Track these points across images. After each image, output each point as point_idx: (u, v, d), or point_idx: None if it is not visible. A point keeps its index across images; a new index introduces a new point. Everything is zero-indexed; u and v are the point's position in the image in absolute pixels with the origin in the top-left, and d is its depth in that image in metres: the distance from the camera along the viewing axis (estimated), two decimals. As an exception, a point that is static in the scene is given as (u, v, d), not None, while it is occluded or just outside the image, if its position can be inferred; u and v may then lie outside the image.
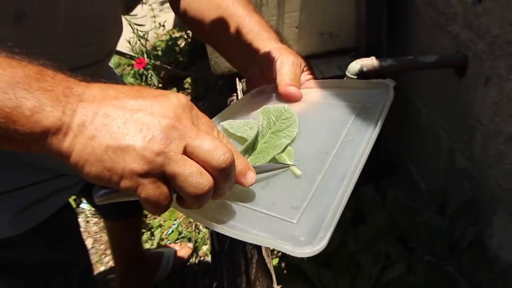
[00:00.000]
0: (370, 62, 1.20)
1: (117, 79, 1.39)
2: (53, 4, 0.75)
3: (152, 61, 3.21)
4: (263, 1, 1.64)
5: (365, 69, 1.20)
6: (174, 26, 4.24)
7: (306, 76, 0.94)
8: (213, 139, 0.53)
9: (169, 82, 3.40)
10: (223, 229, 0.61)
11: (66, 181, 1.04)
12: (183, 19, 1.07)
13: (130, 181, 0.50)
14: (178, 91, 3.16)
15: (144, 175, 0.50)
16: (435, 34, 1.37)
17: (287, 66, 0.87)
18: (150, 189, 0.51)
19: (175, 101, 0.54)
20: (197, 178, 0.52)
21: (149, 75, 3.14)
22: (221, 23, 0.97)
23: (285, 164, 0.70)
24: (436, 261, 1.26)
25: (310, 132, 0.76)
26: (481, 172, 1.24)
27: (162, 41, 3.97)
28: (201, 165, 0.53)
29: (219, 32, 0.98)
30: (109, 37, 0.94)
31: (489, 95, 1.12)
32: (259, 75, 0.93)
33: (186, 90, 3.29)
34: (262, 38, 0.94)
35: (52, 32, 0.77)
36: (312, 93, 0.88)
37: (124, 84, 1.02)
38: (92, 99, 0.52)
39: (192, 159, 0.53)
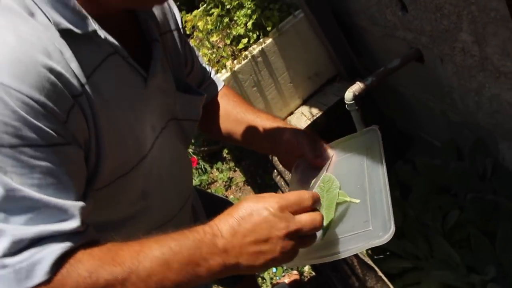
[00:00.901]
0: (357, 86, 1.49)
1: None
2: (161, 180, 1.01)
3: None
4: (259, 77, 1.96)
5: (356, 93, 1.49)
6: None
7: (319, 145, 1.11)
8: (309, 216, 0.75)
9: (211, 159, 3.62)
10: (333, 258, 0.87)
11: None
12: (212, 135, 1.29)
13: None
14: (221, 162, 3.39)
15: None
16: (388, 42, 1.67)
17: (306, 143, 1.06)
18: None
19: (270, 217, 0.72)
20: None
21: (202, 167, 3.39)
22: (244, 131, 1.18)
23: (349, 201, 0.97)
24: (477, 195, 1.53)
25: (345, 179, 0.99)
26: (472, 119, 1.52)
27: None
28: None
29: (243, 136, 1.19)
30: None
31: (448, 69, 1.41)
32: (285, 153, 1.13)
33: (227, 159, 3.54)
34: (276, 127, 1.13)
35: (164, 197, 1.05)
36: (332, 154, 1.08)
37: None
38: (231, 247, 0.72)
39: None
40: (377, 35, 1.72)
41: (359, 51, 1.95)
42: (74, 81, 0.69)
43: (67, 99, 0.68)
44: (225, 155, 3.58)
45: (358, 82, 1.51)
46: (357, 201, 0.92)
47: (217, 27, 2.08)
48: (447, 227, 1.61)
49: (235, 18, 2.04)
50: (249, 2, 1.98)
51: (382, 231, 0.82)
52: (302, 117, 2.05)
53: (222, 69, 1.98)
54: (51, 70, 0.65)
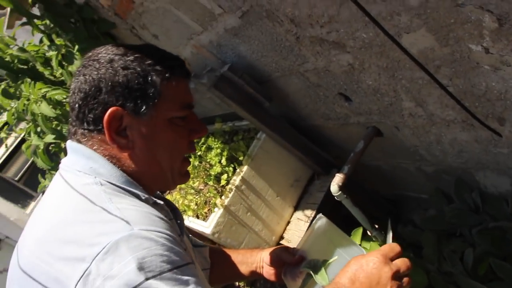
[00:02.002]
0: (338, 178, 1.66)
1: None
2: None
3: None
4: (249, 202, 2.12)
5: (340, 183, 1.65)
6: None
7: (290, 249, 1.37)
8: (402, 259, 1.04)
9: None
10: None
11: None
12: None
13: None
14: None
15: None
16: (346, 130, 1.88)
17: (282, 253, 1.31)
18: None
19: (377, 264, 1.01)
20: None
21: None
22: (240, 268, 1.41)
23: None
24: (481, 227, 1.66)
25: (321, 255, 1.26)
26: (444, 165, 1.69)
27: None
28: None
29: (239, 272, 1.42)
30: None
31: (406, 133, 1.61)
32: (269, 269, 1.35)
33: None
34: (256, 256, 1.39)
35: None
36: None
37: None
38: None
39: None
40: (334, 127, 1.93)
41: (325, 145, 2.16)
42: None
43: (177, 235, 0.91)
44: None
45: (337, 174, 1.68)
46: (336, 257, 1.24)
47: (196, 174, 2.27)
48: (468, 267, 1.72)
49: (208, 160, 2.23)
50: (215, 143, 2.19)
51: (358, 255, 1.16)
52: (300, 222, 2.18)
53: (214, 208, 2.12)
54: (162, 218, 0.91)
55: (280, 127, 2.06)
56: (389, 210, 2.33)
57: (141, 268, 0.78)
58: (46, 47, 2.86)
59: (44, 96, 2.65)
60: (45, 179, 3.32)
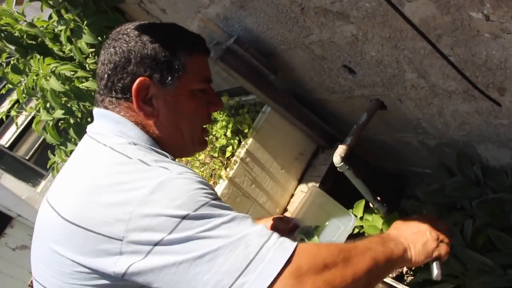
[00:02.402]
0: (341, 149, 1.68)
1: None
2: None
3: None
4: (253, 175, 2.16)
5: (342, 155, 1.68)
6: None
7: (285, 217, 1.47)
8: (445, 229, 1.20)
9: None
10: None
11: None
12: None
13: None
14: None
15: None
16: (350, 103, 1.90)
17: (277, 221, 1.42)
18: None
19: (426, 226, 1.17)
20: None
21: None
22: None
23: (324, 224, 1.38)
24: (481, 200, 1.68)
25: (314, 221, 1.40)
26: (446, 138, 1.71)
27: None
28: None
29: None
30: None
31: (409, 105, 1.63)
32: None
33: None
34: None
35: None
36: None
37: None
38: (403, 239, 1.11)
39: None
40: (339, 101, 1.95)
41: (329, 119, 2.18)
42: None
43: None
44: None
45: (340, 146, 1.70)
46: (327, 223, 1.38)
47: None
48: (468, 239, 1.75)
49: (214, 132, 2.27)
50: (221, 116, 2.22)
51: (348, 222, 1.40)
52: (303, 195, 2.21)
53: (219, 180, 2.16)
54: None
55: (285, 101, 2.08)
56: (393, 185, 2.36)
57: (185, 202, 0.85)
58: (55, 23, 2.89)
59: (53, 72, 2.68)
60: (54, 155, 3.37)
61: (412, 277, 2.17)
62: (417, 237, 1.13)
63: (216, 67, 2.20)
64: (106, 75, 1.08)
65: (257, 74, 1.97)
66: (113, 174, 0.93)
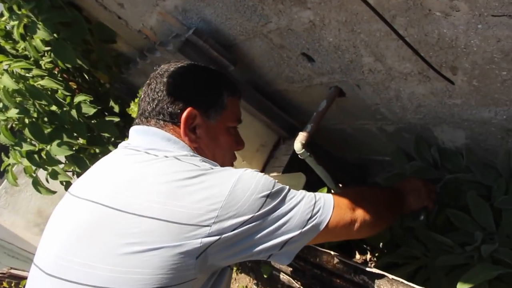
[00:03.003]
0: (301, 136, 1.70)
1: None
2: None
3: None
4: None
5: (303, 141, 1.69)
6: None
7: None
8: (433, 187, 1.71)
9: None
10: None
11: None
12: None
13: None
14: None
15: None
16: (310, 92, 1.93)
17: None
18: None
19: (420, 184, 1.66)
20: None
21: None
22: None
23: None
24: (425, 169, 1.73)
25: None
26: (404, 122, 1.76)
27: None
28: None
29: None
30: None
31: (367, 90, 1.66)
32: None
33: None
34: None
35: None
36: None
37: None
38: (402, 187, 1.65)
39: None
40: (299, 90, 1.98)
41: (289, 110, 2.20)
42: None
43: None
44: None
45: (300, 133, 1.72)
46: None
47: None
48: (428, 220, 1.79)
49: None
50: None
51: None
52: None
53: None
54: None
55: (247, 92, 2.08)
56: (355, 175, 2.40)
57: (264, 185, 1.11)
58: (7, 20, 2.81)
59: (6, 70, 2.60)
60: (8, 157, 3.27)
61: (375, 263, 2.21)
62: (414, 191, 1.62)
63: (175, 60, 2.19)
64: (157, 101, 1.26)
65: (217, 66, 1.97)
66: (189, 178, 1.06)
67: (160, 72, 1.33)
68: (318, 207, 1.20)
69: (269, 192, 1.10)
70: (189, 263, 1.01)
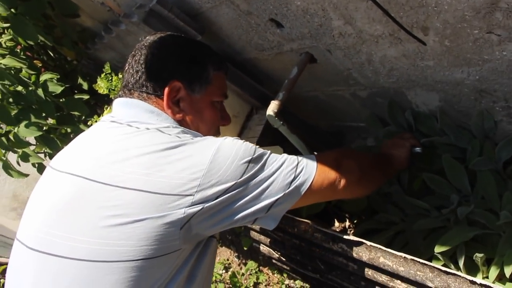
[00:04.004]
0: (273, 105, 1.66)
1: None
2: None
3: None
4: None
5: (275, 110, 1.65)
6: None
7: None
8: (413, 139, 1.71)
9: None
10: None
11: None
12: None
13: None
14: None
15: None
16: (281, 60, 1.88)
17: None
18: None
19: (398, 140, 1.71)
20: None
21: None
22: None
23: None
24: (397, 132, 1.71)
25: None
26: (377, 87, 1.72)
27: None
28: None
29: None
30: None
31: (338, 55, 1.62)
32: None
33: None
34: None
35: None
36: None
37: None
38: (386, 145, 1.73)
39: None
40: (269, 58, 1.92)
41: (261, 79, 2.15)
42: None
43: None
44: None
45: (272, 101, 1.67)
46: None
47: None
48: (404, 185, 1.78)
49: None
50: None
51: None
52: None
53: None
54: None
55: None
56: (330, 142, 2.37)
57: (245, 151, 1.13)
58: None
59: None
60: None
61: (354, 229, 2.21)
62: (393, 145, 1.68)
63: (141, 32, 2.11)
64: (140, 73, 1.26)
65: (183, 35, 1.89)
66: (170, 148, 1.07)
67: (145, 44, 1.32)
68: (300, 168, 1.22)
69: (250, 158, 1.12)
70: (173, 234, 1.01)
